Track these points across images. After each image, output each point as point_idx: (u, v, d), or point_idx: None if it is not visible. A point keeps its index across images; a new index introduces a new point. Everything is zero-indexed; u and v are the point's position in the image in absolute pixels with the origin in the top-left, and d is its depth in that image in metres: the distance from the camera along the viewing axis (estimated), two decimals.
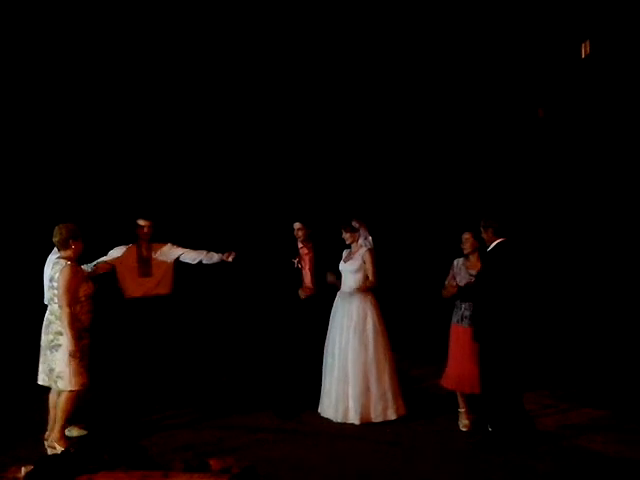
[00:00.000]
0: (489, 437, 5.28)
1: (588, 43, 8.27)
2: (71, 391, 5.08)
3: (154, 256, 6.35)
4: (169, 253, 6.41)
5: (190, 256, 6.40)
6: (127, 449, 5.10)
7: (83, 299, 5.18)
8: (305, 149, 9.17)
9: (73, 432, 5.50)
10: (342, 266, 6.10)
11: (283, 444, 5.37)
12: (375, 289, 6.02)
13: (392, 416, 5.80)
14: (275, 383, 6.50)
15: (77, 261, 5.25)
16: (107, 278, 6.23)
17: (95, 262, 6.14)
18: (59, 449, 5.04)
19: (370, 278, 5.95)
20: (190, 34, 8.49)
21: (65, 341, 5.04)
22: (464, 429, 5.67)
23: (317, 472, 4.82)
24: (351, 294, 5.99)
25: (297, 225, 6.41)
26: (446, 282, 5.83)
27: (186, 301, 6.58)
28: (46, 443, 5.19)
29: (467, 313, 5.64)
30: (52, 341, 5.10)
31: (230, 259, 6.35)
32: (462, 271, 5.77)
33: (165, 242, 6.46)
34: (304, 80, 8.98)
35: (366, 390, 5.79)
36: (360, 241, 6.05)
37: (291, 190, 9.01)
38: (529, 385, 6.74)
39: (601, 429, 5.62)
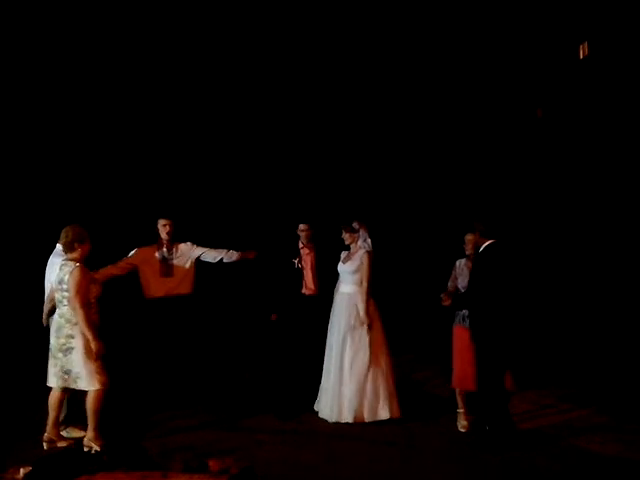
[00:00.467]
0: (486, 437, 5.29)
1: (586, 44, 8.28)
2: (96, 390, 5.07)
3: (175, 256, 6.37)
4: (190, 253, 6.42)
5: (211, 255, 6.41)
6: (126, 449, 5.13)
7: (92, 300, 5.19)
8: (305, 150, 9.18)
9: (73, 433, 5.49)
10: (341, 267, 6.12)
11: (281, 445, 5.38)
12: (374, 290, 6.03)
13: (385, 416, 5.79)
14: (276, 384, 6.50)
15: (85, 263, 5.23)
16: (124, 280, 6.26)
17: (116, 262, 6.17)
18: (95, 448, 5.04)
19: (363, 282, 5.96)
20: (199, 37, 8.54)
21: (78, 343, 5.03)
22: (462, 430, 5.68)
23: (315, 473, 4.82)
24: (349, 295, 6.01)
25: (303, 226, 6.43)
26: (448, 283, 5.86)
27: (193, 301, 6.57)
28: (45, 444, 5.19)
29: (466, 313, 5.66)
30: (64, 344, 5.08)
31: (251, 257, 6.38)
32: (464, 272, 5.78)
33: (185, 241, 6.47)
34: (308, 85, 9.01)
35: (361, 390, 5.80)
36: (359, 242, 6.06)
37: (291, 191, 9.03)
38: (528, 384, 6.80)
39: (600, 429, 5.62)
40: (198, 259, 6.43)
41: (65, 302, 5.09)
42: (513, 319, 5.34)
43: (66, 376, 5.10)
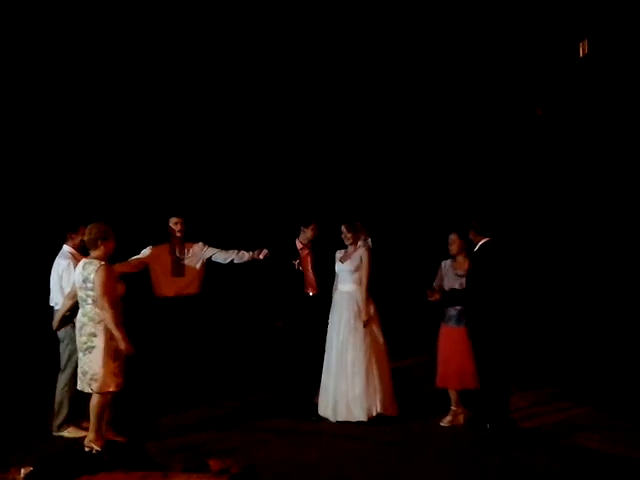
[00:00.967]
0: (486, 436, 5.30)
1: (586, 42, 8.27)
2: (106, 393, 5.03)
3: (187, 256, 6.38)
4: (202, 253, 6.44)
5: (222, 256, 6.44)
6: (127, 449, 5.14)
7: (117, 299, 5.17)
8: (300, 151, 9.20)
9: (74, 433, 5.49)
10: (340, 266, 6.12)
11: (282, 444, 5.38)
12: (372, 289, 6.04)
13: (380, 412, 5.82)
14: (289, 384, 6.48)
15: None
16: (133, 278, 6.22)
17: (128, 260, 6.16)
18: (96, 449, 4.99)
19: (363, 280, 5.98)
20: (206, 41, 8.57)
21: (100, 342, 4.97)
22: (443, 424, 5.75)
23: (316, 472, 4.82)
24: (350, 293, 6.02)
25: (312, 226, 6.40)
26: (434, 284, 5.88)
27: (200, 302, 6.60)
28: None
29: (453, 312, 5.73)
30: (85, 343, 5.02)
31: (261, 257, 6.37)
32: (449, 272, 5.81)
33: (196, 241, 6.49)
34: (310, 87, 9.03)
35: (362, 389, 5.80)
36: (360, 242, 6.09)
37: (287, 192, 9.06)
38: (527, 383, 6.81)
39: (599, 428, 5.62)
40: (209, 259, 6.45)
41: (89, 301, 5.01)
42: (510, 317, 5.35)
43: (82, 377, 5.05)
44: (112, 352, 4.99)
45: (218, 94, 8.95)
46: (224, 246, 6.51)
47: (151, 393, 6.36)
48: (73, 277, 5.31)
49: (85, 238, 5.13)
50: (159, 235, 6.45)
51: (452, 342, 5.70)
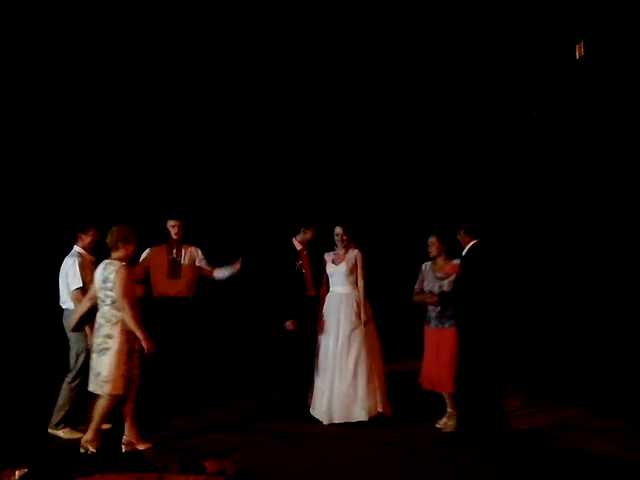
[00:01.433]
0: (471, 435, 5.29)
1: (582, 44, 8.29)
2: (114, 395, 4.99)
3: (184, 258, 6.39)
4: (196, 258, 6.48)
5: (206, 270, 6.46)
6: (122, 451, 5.11)
7: (136, 301, 5.16)
8: (290, 154, 9.22)
9: (69, 434, 5.47)
10: (333, 268, 6.11)
11: (279, 446, 5.36)
12: (368, 291, 6.04)
13: (380, 411, 5.83)
14: (296, 386, 6.47)
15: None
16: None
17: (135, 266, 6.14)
18: (91, 450, 4.96)
19: (360, 281, 6.00)
20: (206, 44, 8.58)
21: (115, 344, 4.96)
22: (438, 426, 5.74)
23: (313, 474, 4.80)
24: (346, 295, 6.01)
25: (313, 228, 6.38)
26: (415, 286, 5.89)
27: (195, 304, 6.58)
28: (123, 447, 5.13)
29: (432, 314, 5.74)
30: (100, 344, 5.00)
31: (238, 267, 6.35)
32: (430, 275, 5.81)
33: (195, 245, 6.53)
34: (311, 89, 9.06)
35: (364, 389, 5.79)
36: (351, 244, 6.10)
37: (283, 194, 9.07)
38: (524, 384, 6.82)
39: (598, 430, 5.62)
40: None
41: (108, 301, 5.01)
42: (500, 319, 5.33)
43: (94, 378, 5.02)
44: (126, 355, 4.99)
45: (218, 95, 8.95)
46: (222, 248, 6.51)
47: (147, 395, 6.31)
48: (78, 275, 5.39)
49: (107, 240, 5.15)
50: (159, 236, 6.46)
51: (431, 343, 5.73)
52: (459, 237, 5.57)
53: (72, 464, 4.69)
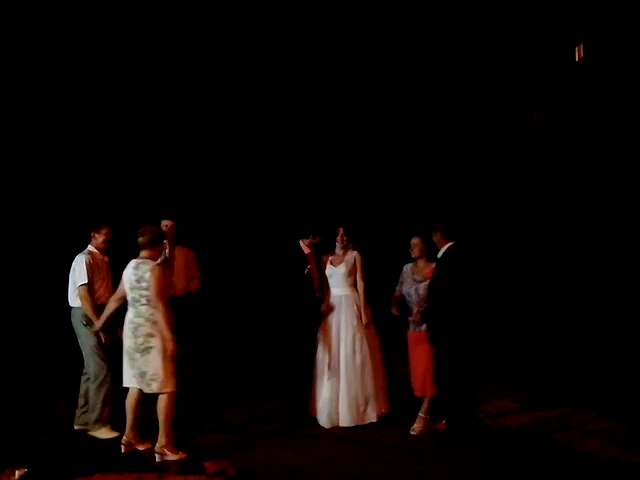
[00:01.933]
0: (449, 436, 5.30)
1: (582, 46, 8.31)
2: (170, 393, 4.99)
3: (178, 259, 6.40)
4: (188, 259, 6.56)
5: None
6: (122, 451, 5.11)
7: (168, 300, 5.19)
8: (286, 156, 9.23)
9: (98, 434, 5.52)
10: (332, 270, 6.09)
11: (278, 447, 5.36)
12: (368, 292, 6.04)
13: (385, 411, 5.86)
14: (284, 387, 6.44)
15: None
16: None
17: None
18: (171, 458, 4.94)
19: (360, 282, 6.00)
20: (205, 44, 8.58)
21: (158, 342, 4.96)
22: (412, 432, 5.66)
23: (312, 475, 4.81)
24: (346, 297, 6.01)
25: (320, 236, 6.39)
26: (396, 288, 5.88)
27: (199, 303, 6.59)
28: (122, 447, 5.12)
29: (410, 317, 5.74)
30: (142, 344, 4.99)
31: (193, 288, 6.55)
32: (408, 277, 5.79)
33: (190, 248, 6.59)
34: (310, 90, 9.06)
35: (357, 393, 5.79)
36: (351, 245, 6.10)
37: (283, 196, 9.08)
38: (522, 384, 6.82)
39: (597, 431, 5.62)
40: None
41: (143, 301, 5.01)
42: (474, 321, 5.30)
43: (140, 378, 5.01)
44: (169, 352, 4.99)
45: (218, 96, 8.96)
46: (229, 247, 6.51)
47: (147, 395, 6.32)
48: (84, 271, 5.47)
49: (138, 239, 5.16)
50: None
51: (411, 346, 5.75)
52: (435, 239, 5.54)
53: (72, 464, 4.69)
